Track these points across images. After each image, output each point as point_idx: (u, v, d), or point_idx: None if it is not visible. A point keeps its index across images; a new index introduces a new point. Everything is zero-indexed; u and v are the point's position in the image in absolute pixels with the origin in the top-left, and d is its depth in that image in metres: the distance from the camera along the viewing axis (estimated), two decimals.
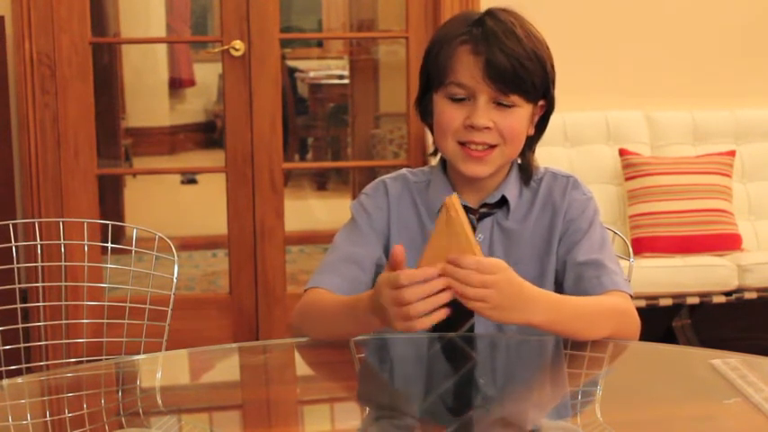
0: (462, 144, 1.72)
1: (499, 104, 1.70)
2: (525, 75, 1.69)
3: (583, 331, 1.63)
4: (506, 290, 1.49)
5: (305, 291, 1.76)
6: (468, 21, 1.72)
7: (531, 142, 1.80)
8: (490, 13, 1.73)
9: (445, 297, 1.46)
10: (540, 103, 1.77)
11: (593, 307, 1.66)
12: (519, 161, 1.82)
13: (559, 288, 1.77)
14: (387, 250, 1.80)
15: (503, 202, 1.79)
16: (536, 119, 1.78)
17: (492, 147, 1.72)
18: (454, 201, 1.48)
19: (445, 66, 1.71)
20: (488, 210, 1.79)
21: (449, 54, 1.71)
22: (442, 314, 1.47)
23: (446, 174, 1.81)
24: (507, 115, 1.71)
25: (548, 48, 1.75)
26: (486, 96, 1.70)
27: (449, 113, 1.72)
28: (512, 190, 1.79)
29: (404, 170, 1.87)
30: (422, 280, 1.45)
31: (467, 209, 1.77)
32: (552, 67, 1.75)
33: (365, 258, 1.77)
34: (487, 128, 1.70)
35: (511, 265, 1.75)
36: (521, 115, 1.72)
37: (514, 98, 1.70)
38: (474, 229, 1.76)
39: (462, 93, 1.71)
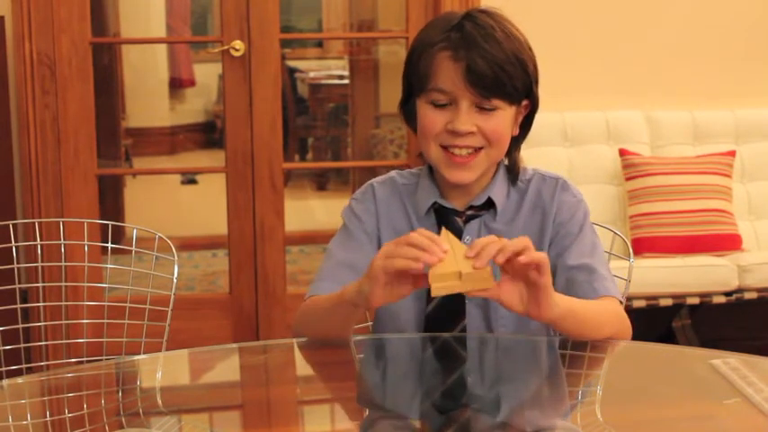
0: (445, 148, 1.72)
1: (481, 108, 1.70)
2: (506, 79, 1.68)
3: (589, 330, 1.64)
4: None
5: (304, 300, 1.77)
6: (447, 25, 1.71)
7: (517, 142, 1.80)
8: (469, 16, 1.72)
9: (431, 258, 1.46)
10: (524, 103, 1.76)
11: (595, 310, 1.67)
12: (506, 162, 1.82)
13: None
14: None
15: (490, 203, 1.78)
16: (520, 119, 1.78)
17: (477, 150, 1.72)
18: (447, 233, 1.50)
19: (426, 72, 1.71)
20: (475, 212, 1.78)
21: (429, 60, 1.71)
22: (417, 266, 1.48)
23: (433, 177, 1.81)
24: (490, 119, 1.71)
25: (529, 48, 1.74)
26: (467, 101, 1.69)
27: (431, 119, 1.72)
28: (498, 192, 1.78)
29: (393, 172, 1.87)
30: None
31: (453, 211, 1.78)
32: (535, 66, 1.74)
33: (360, 263, 1.76)
34: (471, 132, 1.70)
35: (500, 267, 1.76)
36: (503, 118, 1.72)
37: (496, 102, 1.70)
38: (461, 231, 1.77)
39: (444, 99, 1.71)
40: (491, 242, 1.48)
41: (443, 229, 1.50)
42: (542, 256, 1.49)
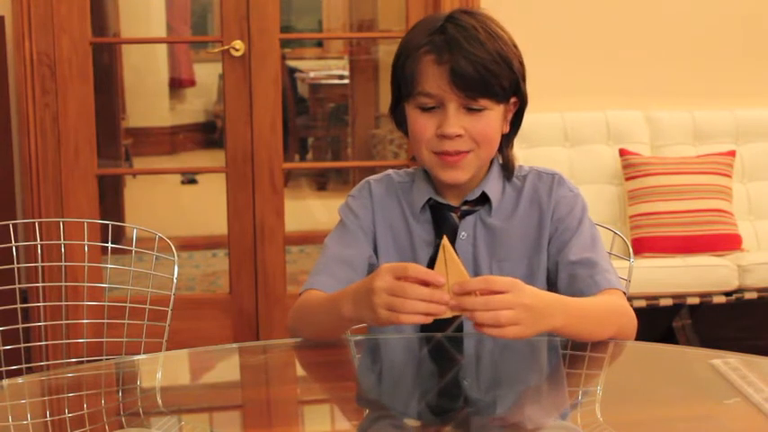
0: (436, 153, 1.73)
1: (469, 109, 1.70)
2: (491, 78, 1.68)
3: (592, 332, 1.63)
4: (530, 302, 1.46)
5: (300, 294, 1.77)
6: (430, 28, 1.71)
7: (508, 139, 1.80)
8: (452, 17, 1.71)
9: (437, 309, 1.43)
10: (513, 100, 1.76)
11: (598, 307, 1.66)
12: (500, 159, 1.82)
13: (552, 288, 1.77)
14: (375, 250, 1.81)
15: (484, 198, 1.78)
16: (510, 116, 1.78)
17: (466, 152, 1.72)
18: (446, 244, 1.45)
19: (412, 77, 1.71)
20: (470, 207, 1.79)
21: (414, 65, 1.71)
22: (426, 320, 1.44)
23: (428, 175, 1.81)
24: (478, 120, 1.70)
25: (514, 45, 1.73)
26: (454, 104, 1.69)
27: (420, 124, 1.72)
28: (493, 187, 1.79)
29: (389, 171, 1.88)
30: (426, 281, 1.44)
31: (448, 207, 1.78)
32: (521, 63, 1.74)
33: (356, 258, 1.78)
34: (459, 135, 1.70)
35: (496, 263, 1.76)
36: (492, 117, 1.72)
37: (483, 102, 1.70)
38: (456, 227, 1.77)
39: (431, 102, 1.71)
40: (475, 284, 1.45)
41: (443, 240, 1.45)
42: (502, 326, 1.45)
